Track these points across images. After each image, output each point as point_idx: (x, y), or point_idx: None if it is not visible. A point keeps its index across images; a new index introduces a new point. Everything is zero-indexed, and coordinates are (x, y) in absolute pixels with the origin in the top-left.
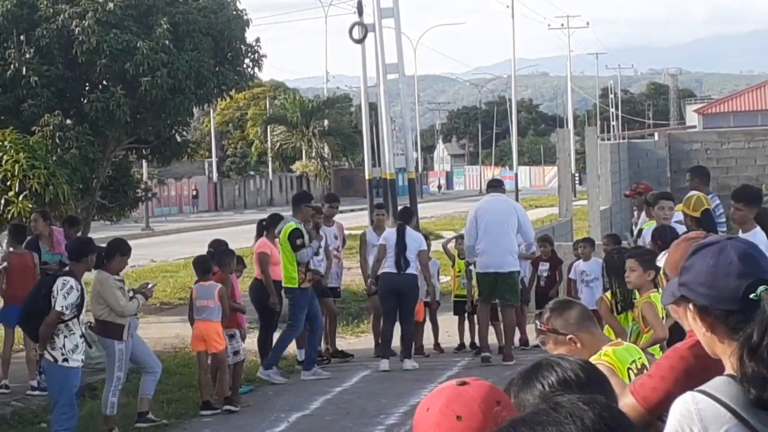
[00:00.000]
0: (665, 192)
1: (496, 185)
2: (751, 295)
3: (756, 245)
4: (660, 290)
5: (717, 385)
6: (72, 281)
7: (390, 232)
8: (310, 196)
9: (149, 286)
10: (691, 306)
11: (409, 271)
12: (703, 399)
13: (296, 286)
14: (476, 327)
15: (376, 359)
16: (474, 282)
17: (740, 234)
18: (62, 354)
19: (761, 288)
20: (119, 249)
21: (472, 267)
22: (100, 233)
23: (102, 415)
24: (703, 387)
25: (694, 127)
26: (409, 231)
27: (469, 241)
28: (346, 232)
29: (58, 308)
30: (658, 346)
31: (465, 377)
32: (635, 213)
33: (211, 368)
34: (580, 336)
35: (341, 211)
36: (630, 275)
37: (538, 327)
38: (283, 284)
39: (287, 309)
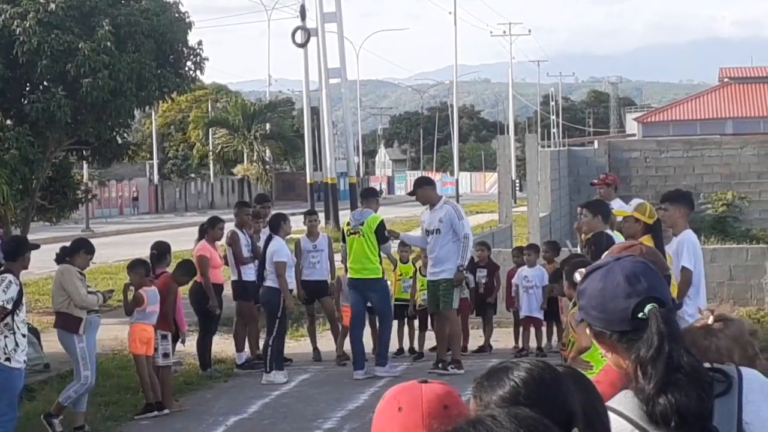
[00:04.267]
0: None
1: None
2: (640, 315)
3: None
4: None
5: (620, 399)
6: (10, 276)
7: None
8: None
9: (108, 290)
10: (588, 329)
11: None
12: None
13: (381, 276)
14: (416, 332)
15: (314, 363)
16: (418, 286)
17: (674, 239)
18: (5, 353)
19: (649, 306)
20: (83, 246)
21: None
22: (40, 234)
23: (41, 417)
24: (608, 402)
25: (634, 135)
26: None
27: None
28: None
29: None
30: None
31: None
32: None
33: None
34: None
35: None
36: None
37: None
38: (367, 276)
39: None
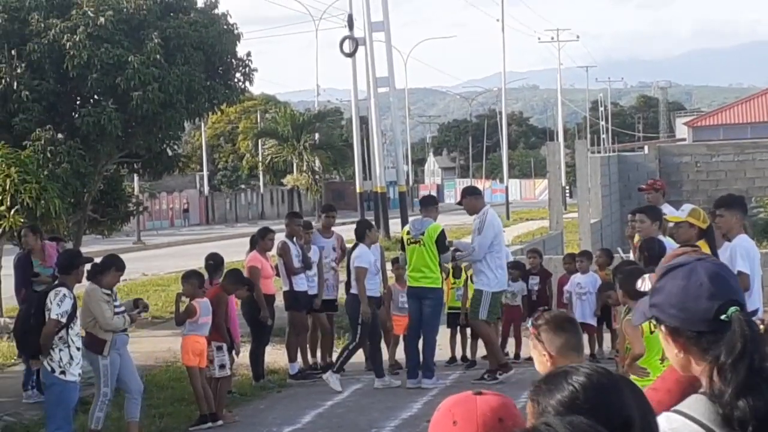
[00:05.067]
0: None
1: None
2: (722, 317)
3: (725, 265)
4: None
5: (691, 403)
6: (64, 290)
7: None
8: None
9: (137, 311)
10: (663, 327)
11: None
12: (677, 418)
13: (440, 286)
14: (468, 340)
15: (368, 372)
16: (470, 294)
17: (726, 243)
18: (59, 366)
19: (732, 309)
20: (115, 264)
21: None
22: (92, 247)
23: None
24: (677, 406)
25: (684, 139)
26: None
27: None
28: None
29: (53, 316)
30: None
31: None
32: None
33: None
34: (557, 361)
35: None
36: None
37: (531, 323)
38: (424, 285)
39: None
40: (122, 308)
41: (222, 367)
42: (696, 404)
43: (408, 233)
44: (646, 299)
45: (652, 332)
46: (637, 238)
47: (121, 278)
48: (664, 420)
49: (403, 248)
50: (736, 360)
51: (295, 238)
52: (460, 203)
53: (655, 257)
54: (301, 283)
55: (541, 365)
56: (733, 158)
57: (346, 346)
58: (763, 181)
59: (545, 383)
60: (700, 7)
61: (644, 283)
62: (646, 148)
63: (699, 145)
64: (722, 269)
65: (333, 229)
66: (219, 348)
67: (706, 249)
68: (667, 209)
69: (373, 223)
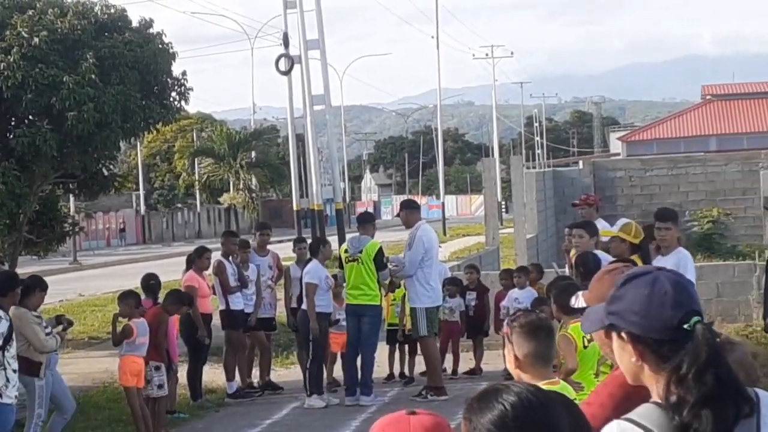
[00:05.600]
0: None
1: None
2: (685, 326)
3: (684, 276)
4: None
5: (642, 412)
6: (0, 312)
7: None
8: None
9: (62, 328)
10: (623, 334)
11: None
12: (628, 426)
13: (379, 303)
14: (406, 357)
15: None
16: (407, 311)
17: (659, 257)
18: None
19: (694, 318)
20: (38, 285)
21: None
22: (28, 268)
23: None
24: (628, 415)
25: (618, 154)
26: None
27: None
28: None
29: None
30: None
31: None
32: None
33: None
34: (523, 366)
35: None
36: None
37: (507, 322)
38: (363, 302)
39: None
40: (50, 329)
41: (160, 387)
42: (647, 413)
43: (346, 251)
44: (597, 308)
45: (585, 347)
46: (573, 252)
47: (58, 299)
48: (615, 427)
49: (341, 266)
50: (701, 369)
51: (231, 257)
52: (398, 215)
53: (591, 272)
54: (238, 302)
55: (509, 364)
56: (667, 172)
57: (303, 367)
58: (696, 194)
59: (477, 402)
60: (633, 23)
61: (578, 300)
62: (580, 163)
63: (633, 159)
64: (683, 279)
65: (269, 247)
66: (157, 368)
67: (639, 263)
68: (600, 224)
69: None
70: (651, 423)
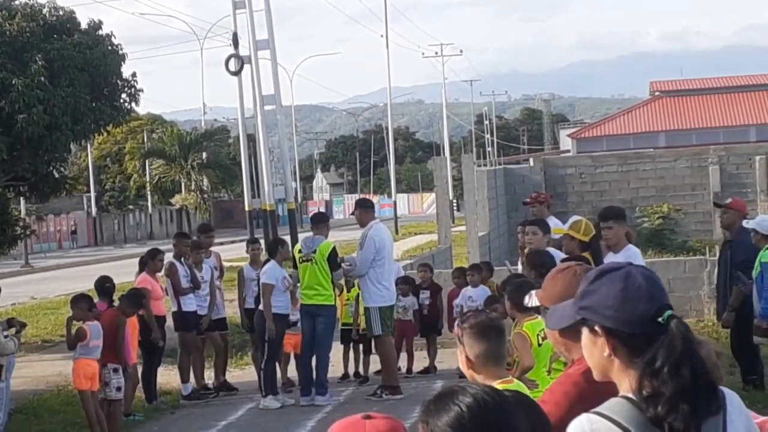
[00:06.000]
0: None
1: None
2: (659, 319)
3: (654, 272)
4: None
5: (612, 406)
6: None
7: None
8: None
9: (16, 331)
10: (597, 328)
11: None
12: (598, 420)
13: (333, 303)
14: (360, 356)
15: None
16: (361, 310)
17: (610, 254)
18: None
19: (668, 312)
20: None
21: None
22: None
23: None
24: (598, 408)
25: (569, 151)
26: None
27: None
28: (227, 264)
29: None
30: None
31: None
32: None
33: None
34: (476, 367)
35: (221, 243)
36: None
37: (457, 323)
38: (317, 302)
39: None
40: (5, 332)
41: (119, 389)
42: (617, 407)
43: (300, 251)
44: (564, 305)
45: (540, 344)
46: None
47: (10, 302)
48: (585, 420)
49: (295, 266)
50: (677, 363)
51: (183, 258)
52: (353, 214)
53: (547, 270)
54: (190, 303)
55: (462, 365)
56: (617, 169)
57: (258, 367)
58: (646, 190)
59: (434, 404)
60: (582, 20)
61: (531, 299)
62: (531, 160)
63: (583, 156)
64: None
65: (211, 249)
66: (115, 370)
67: (591, 260)
68: (552, 222)
69: (257, 243)
70: (621, 417)
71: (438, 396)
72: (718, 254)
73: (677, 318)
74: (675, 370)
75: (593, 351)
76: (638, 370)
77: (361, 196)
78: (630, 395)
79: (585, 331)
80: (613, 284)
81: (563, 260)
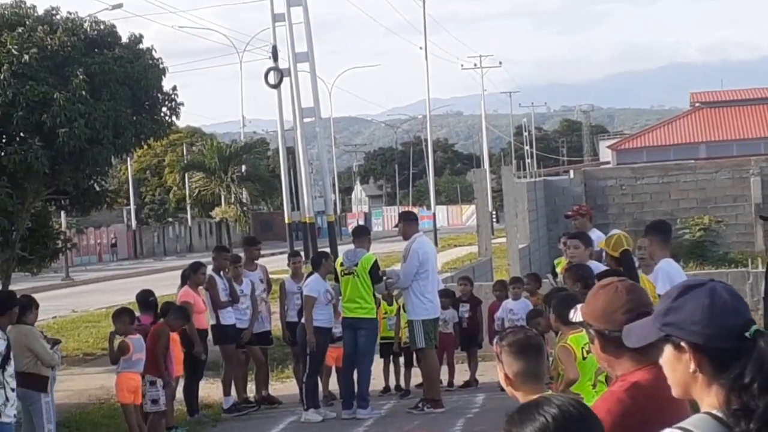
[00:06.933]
0: (570, 232)
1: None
2: (746, 334)
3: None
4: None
5: (696, 422)
6: None
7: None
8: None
9: (53, 347)
10: (683, 344)
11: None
12: None
13: (374, 317)
14: (401, 369)
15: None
16: (402, 323)
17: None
18: None
19: (754, 327)
20: (33, 302)
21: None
22: (20, 285)
23: None
24: (682, 424)
25: (608, 162)
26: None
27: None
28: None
29: None
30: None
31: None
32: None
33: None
34: (515, 384)
35: (261, 256)
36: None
37: (496, 340)
38: (359, 315)
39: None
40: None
41: (154, 402)
42: (702, 423)
43: (341, 264)
44: (641, 322)
45: (584, 358)
46: (562, 262)
47: (51, 315)
48: None
49: (336, 279)
50: (767, 378)
51: (222, 272)
52: (396, 226)
53: (593, 282)
54: (229, 317)
55: (502, 382)
56: (658, 180)
57: (300, 381)
58: (687, 202)
59: (518, 413)
60: (621, 32)
61: (576, 314)
62: (571, 172)
63: (623, 168)
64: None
65: (256, 261)
66: (152, 383)
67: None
68: (594, 234)
69: (299, 257)
70: None
71: (523, 406)
72: (766, 267)
73: (765, 333)
74: (766, 386)
75: (677, 367)
76: (723, 386)
77: (402, 208)
78: (713, 411)
79: (668, 348)
80: (698, 300)
81: (599, 274)
